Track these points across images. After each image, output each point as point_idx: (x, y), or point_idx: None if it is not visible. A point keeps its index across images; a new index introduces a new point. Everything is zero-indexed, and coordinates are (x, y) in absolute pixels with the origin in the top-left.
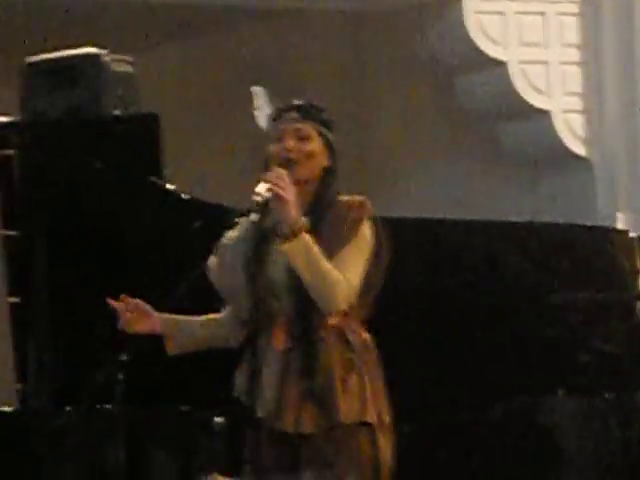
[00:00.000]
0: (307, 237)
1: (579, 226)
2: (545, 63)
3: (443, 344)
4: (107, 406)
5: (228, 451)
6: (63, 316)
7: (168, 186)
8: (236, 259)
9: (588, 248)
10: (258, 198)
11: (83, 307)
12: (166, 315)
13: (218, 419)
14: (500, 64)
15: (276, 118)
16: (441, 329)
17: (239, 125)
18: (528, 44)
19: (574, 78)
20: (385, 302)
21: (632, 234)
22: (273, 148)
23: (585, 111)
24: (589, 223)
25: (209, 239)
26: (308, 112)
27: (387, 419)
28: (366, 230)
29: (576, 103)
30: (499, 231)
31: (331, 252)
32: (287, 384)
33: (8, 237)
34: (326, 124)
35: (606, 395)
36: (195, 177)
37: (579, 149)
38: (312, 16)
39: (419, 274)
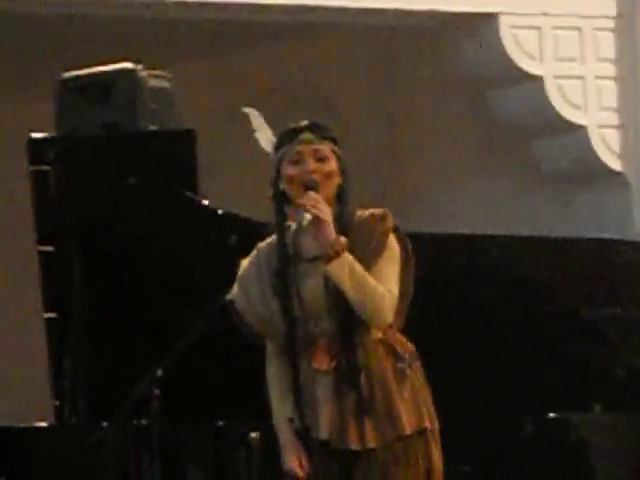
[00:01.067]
0: (349, 255)
1: (615, 241)
2: (581, 78)
3: (478, 359)
4: (143, 421)
5: (264, 466)
6: (99, 332)
7: (204, 201)
8: (264, 287)
9: (624, 263)
10: (303, 223)
11: (119, 322)
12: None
13: (254, 434)
14: (536, 79)
15: (289, 140)
16: (476, 344)
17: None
18: (564, 59)
19: (610, 93)
20: (424, 315)
21: None
22: (291, 171)
23: (621, 126)
24: (625, 238)
25: (244, 254)
26: (322, 131)
27: (436, 426)
28: (393, 241)
29: (612, 118)
30: (535, 246)
31: (364, 262)
32: (342, 402)
33: (44, 252)
34: (337, 142)
35: None
36: (229, 192)
37: (615, 164)
38: (345, 32)
39: (456, 288)
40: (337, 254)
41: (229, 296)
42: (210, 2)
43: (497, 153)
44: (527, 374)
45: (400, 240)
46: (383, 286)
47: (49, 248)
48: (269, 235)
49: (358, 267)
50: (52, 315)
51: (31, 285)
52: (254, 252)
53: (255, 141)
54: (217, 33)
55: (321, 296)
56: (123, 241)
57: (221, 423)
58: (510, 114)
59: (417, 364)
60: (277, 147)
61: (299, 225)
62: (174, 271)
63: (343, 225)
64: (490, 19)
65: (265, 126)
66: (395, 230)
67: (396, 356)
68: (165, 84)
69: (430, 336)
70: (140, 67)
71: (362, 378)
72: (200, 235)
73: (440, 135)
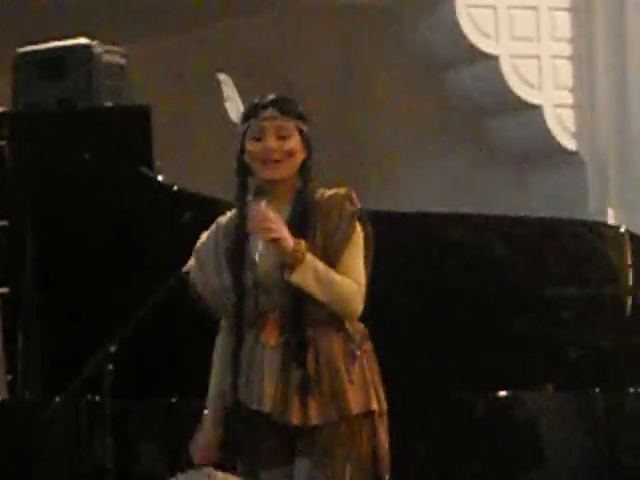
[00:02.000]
0: (310, 258)
1: (570, 220)
2: (537, 57)
3: (431, 337)
4: (96, 397)
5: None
6: (52, 307)
7: (159, 177)
8: (220, 260)
9: (578, 242)
10: (256, 256)
11: (72, 298)
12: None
13: (207, 411)
14: (492, 58)
15: (253, 115)
16: (429, 322)
17: (228, 117)
18: (520, 38)
19: (565, 72)
20: (375, 295)
21: (622, 229)
22: (253, 147)
23: (576, 106)
24: (580, 218)
25: (199, 231)
26: (287, 107)
27: (384, 408)
28: (357, 224)
29: (567, 97)
30: (489, 225)
31: (333, 251)
32: (287, 378)
33: None
34: (302, 117)
35: (595, 390)
36: (185, 169)
37: (570, 144)
38: (303, 10)
39: (408, 267)
40: (298, 261)
41: (185, 269)
42: None
43: (453, 131)
44: (480, 353)
45: (362, 222)
46: (351, 278)
47: (3, 223)
48: (223, 212)
49: (321, 267)
50: (5, 290)
51: None
52: (213, 226)
53: (211, 113)
54: (173, 8)
55: (275, 270)
56: (77, 217)
57: (174, 399)
58: (466, 93)
59: (368, 345)
60: (242, 121)
61: (258, 254)
62: (128, 247)
63: (306, 202)
64: None
65: (236, 96)
66: (360, 212)
67: (347, 337)
68: (120, 60)
69: (382, 316)
70: (95, 43)
71: (309, 356)
72: (155, 211)
73: (397, 113)
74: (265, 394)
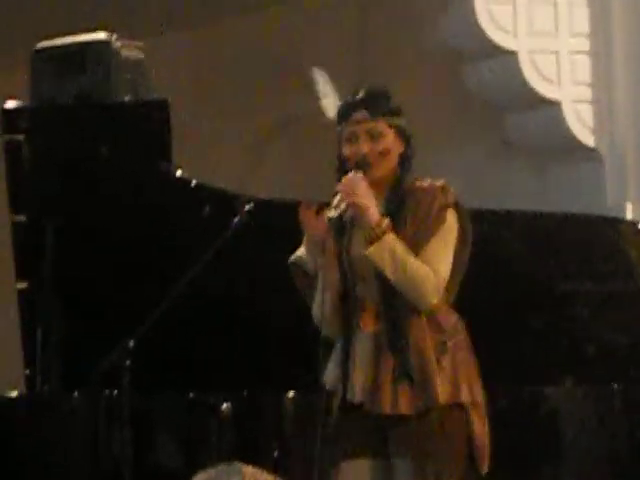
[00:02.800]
0: (391, 237)
1: (588, 216)
2: (555, 53)
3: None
4: (114, 392)
5: (235, 437)
6: (71, 302)
7: (177, 172)
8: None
9: (596, 238)
10: (332, 214)
11: (91, 293)
12: None
13: (225, 405)
14: (510, 53)
15: (345, 117)
16: None
17: (247, 112)
18: (538, 33)
19: (584, 68)
20: None
21: None
22: (347, 151)
23: (595, 101)
24: (598, 214)
25: (217, 225)
26: (377, 107)
27: (480, 399)
28: (451, 217)
29: (586, 93)
30: (507, 220)
31: (419, 240)
32: (380, 365)
33: (16, 222)
34: (395, 112)
35: (614, 386)
36: (203, 163)
37: (588, 139)
38: (318, 3)
39: None
40: (377, 237)
41: (293, 259)
42: None
43: (471, 127)
44: (498, 347)
45: (459, 215)
46: (428, 266)
47: (22, 218)
48: (242, 206)
49: (400, 249)
50: (24, 285)
51: (4, 255)
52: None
53: (229, 107)
54: (191, 4)
55: (369, 266)
56: (96, 211)
57: (192, 394)
58: (484, 88)
59: (461, 337)
60: (337, 121)
61: (339, 215)
62: (147, 242)
63: (401, 194)
64: None
65: (331, 91)
66: (455, 205)
67: (437, 327)
68: (139, 55)
69: None
70: (114, 37)
71: (402, 344)
72: (173, 206)
73: (414, 108)
74: (356, 383)
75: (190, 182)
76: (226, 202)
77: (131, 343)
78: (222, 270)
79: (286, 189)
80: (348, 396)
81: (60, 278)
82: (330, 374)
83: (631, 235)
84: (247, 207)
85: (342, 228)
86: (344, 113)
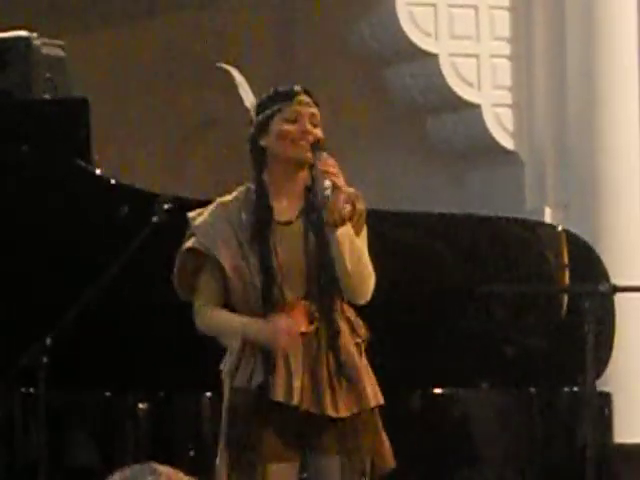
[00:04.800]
0: (350, 226)
1: (507, 219)
2: (476, 56)
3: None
4: (31, 390)
5: (152, 437)
6: None
7: (97, 171)
8: (241, 239)
9: (516, 241)
10: (328, 192)
11: (8, 289)
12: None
13: (142, 405)
14: (431, 56)
15: (286, 98)
16: (367, 320)
17: (169, 112)
18: (459, 37)
19: (504, 72)
20: None
21: (559, 228)
22: (287, 127)
23: (515, 105)
24: (517, 216)
25: (135, 224)
26: (315, 98)
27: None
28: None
29: (506, 97)
30: (427, 222)
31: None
32: (318, 367)
33: None
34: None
35: (530, 389)
36: (124, 163)
37: (508, 143)
38: (243, 3)
39: None
40: (343, 222)
41: (188, 246)
42: None
43: (392, 129)
44: (415, 349)
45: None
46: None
47: None
48: (161, 206)
49: (356, 239)
50: None
51: None
52: (215, 206)
53: (150, 105)
54: (114, 2)
55: (298, 259)
56: (14, 209)
57: (109, 393)
58: (405, 91)
59: (365, 340)
60: (269, 104)
61: (321, 194)
62: (66, 240)
63: (317, 198)
64: None
65: (246, 84)
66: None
67: (353, 330)
68: (60, 53)
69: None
70: (35, 35)
71: (338, 346)
72: (92, 204)
73: (335, 108)
74: (293, 387)
75: (109, 181)
76: (145, 201)
77: (48, 341)
78: (140, 269)
79: (207, 189)
80: (274, 396)
81: None
82: (245, 373)
83: (550, 238)
84: (166, 206)
85: (267, 223)
86: (285, 95)
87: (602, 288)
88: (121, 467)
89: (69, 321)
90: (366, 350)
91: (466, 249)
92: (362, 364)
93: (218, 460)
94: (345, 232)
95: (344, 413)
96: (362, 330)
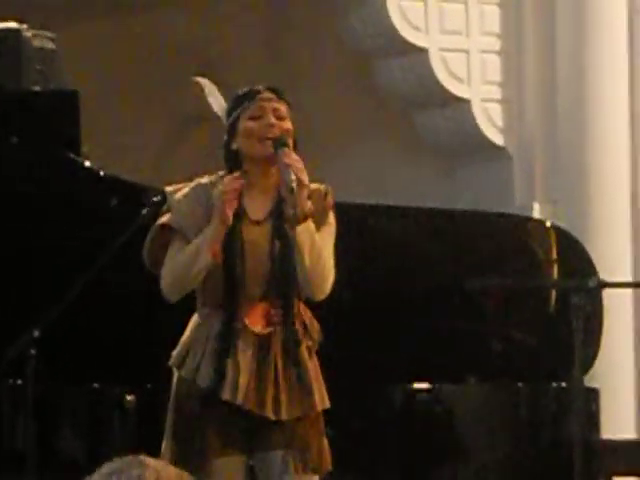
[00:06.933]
0: (311, 223)
1: (496, 214)
2: (466, 51)
3: (352, 328)
4: (18, 381)
5: (139, 429)
6: None
7: (86, 163)
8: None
9: (504, 236)
10: (294, 185)
11: None
12: None
13: (129, 397)
14: (421, 51)
15: (250, 98)
16: (350, 313)
17: (159, 105)
18: (449, 32)
19: (494, 67)
20: None
21: (548, 223)
22: (252, 125)
23: (504, 100)
24: (505, 211)
25: (125, 216)
26: (280, 93)
27: None
28: (332, 217)
29: (495, 92)
30: (416, 217)
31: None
32: (265, 369)
33: None
34: (290, 106)
35: (518, 384)
36: (114, 156)
37: (497, 138)
38: None
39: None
40: (305, 219)
41: (164, 221)
42: None
43: (381, 123)
44: (402, 344)
45: (335, 217)
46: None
47: None
48: (150, 198)
49: (317, 236)
50: None
51: None
52: (193, 186)
53: (140, 98)
54: None
55: (262, 260)
56: (3, 200)
57: (97, 385)
58: (395, 85)
59: (315, 342)
60: (235, 106)
61: (288, 187)
62: (54, 232)
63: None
64: None
65: (217, 93)
66: (333, 206)
67: (305, 332)
68: (50, 45)
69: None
70: (25, 27)
71: (294, 350)
72: (81, 196)
73: (324, 102)
74: (239, 385)
75: (98, 173)
76: (134, 194)
77: (36, 333)
78: (130, 262)
79: None
80: (220, 394)
81: None
82: (191, 364)
83: (539, 233)
84: (155, 199)
85: (236, 222)
86: (249, 94)
87: (590, 283)
88: (109, 459)
89: (57, 313)
90: (352, 344)
91: (455, 244)
92: (311, 366)
93: (163, 450)
94: (306, 228)
95: (285, 416)
96: (316, 334)
